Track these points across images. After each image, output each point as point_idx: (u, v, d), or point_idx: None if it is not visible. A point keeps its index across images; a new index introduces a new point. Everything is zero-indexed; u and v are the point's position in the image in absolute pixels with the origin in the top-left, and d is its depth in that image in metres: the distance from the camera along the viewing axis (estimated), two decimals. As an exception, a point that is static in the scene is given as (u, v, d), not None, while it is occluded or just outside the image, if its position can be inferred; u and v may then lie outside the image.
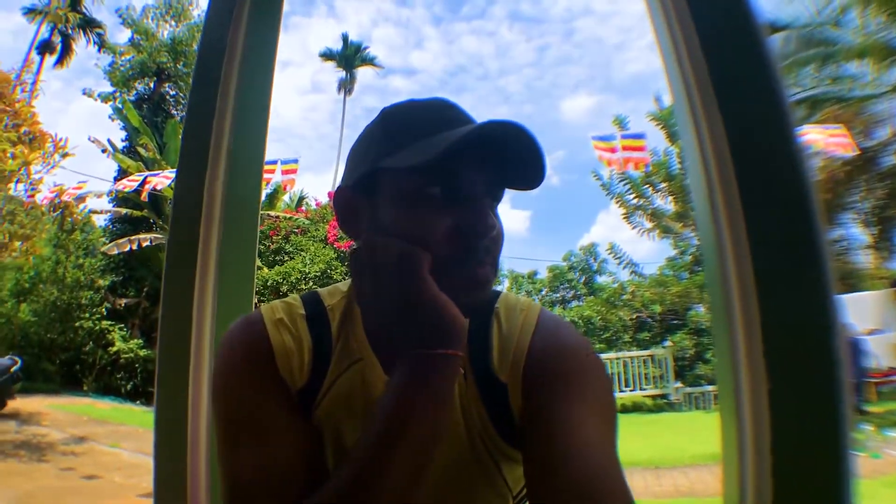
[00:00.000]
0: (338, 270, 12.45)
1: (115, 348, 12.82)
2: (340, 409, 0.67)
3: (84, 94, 17.71)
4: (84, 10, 21.50)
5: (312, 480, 0.58)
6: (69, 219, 12.25)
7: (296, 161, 8.75)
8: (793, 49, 11.13)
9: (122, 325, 13.38)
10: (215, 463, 0.97)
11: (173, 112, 16.75)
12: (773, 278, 0.76)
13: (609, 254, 15.01)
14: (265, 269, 12.85)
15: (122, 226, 14.37)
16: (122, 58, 17.67)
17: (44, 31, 21.29)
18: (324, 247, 13.18)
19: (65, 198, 9.87)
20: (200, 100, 1.14)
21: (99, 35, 21.11)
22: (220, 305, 1.07)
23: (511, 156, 0.61)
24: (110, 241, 13.21)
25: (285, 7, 1.26)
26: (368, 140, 0.67)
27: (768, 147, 0.79)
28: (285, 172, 8.70)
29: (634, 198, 13.03)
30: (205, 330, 1.05)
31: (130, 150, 14.64)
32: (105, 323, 13.15)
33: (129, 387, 12.72)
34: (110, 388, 12.81)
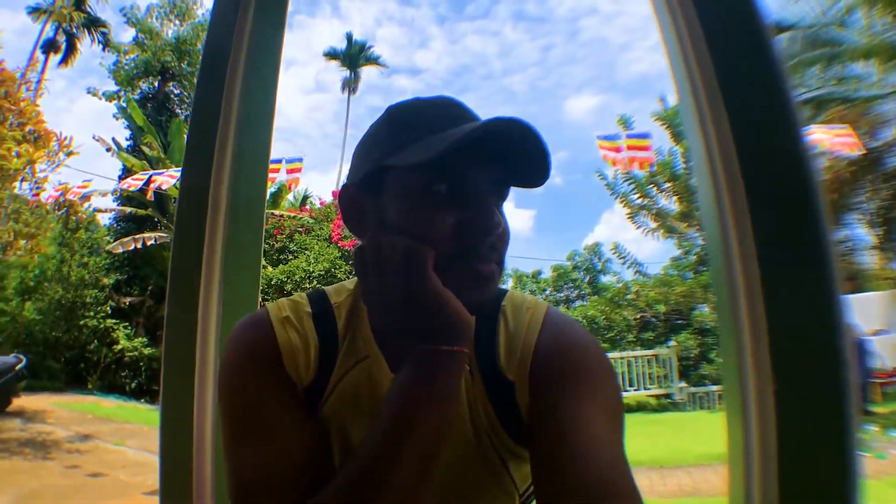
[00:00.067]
0: (342, 269, 12.48)
1: (119, 346, 12.90)
2: (347, 406, 0.67)
3: (88, 92, 17.79)
4: (88, 9, 21.61)
5: (318, 478, 0.58)
6: (74, 217, 12.34)
7: (300, 160, 8.73)
8: (798, 49, 11.07)
9: (127, 324, 13.46)
10: (220, 461, 0.98)
11: (177, 111, 16.81)
12: (779, 278, 0.76)
13: (613, 253, 14.99)
14: (269, 268, 12.89)
15: (127, 224, 14.44)
16: (127, 57, 17.74)
17: (48, 31, 21.46)
18: (328, 245, 13.22)
19: (69, 196, 9.87)
20: (205, 99, 1.14)
21: (103, 34, 21.22)
22: (225, 304, 1.07)
23: (516, 153, 0.61)
24: (115, 240, 13.28)
25: (290, 6, 1.26)
26: (374, 138, 0.67)
27: (774, 147, 0.79)
28: (289, 171, 8.69)
29: (639, 197, 12.98)
30: (210, 328, 1.05)
31: (135, 149, 14.69)
32: (109, 321, 13.22)
33: (133, 385, 12.81)
34: (115, 386, 12.89)
